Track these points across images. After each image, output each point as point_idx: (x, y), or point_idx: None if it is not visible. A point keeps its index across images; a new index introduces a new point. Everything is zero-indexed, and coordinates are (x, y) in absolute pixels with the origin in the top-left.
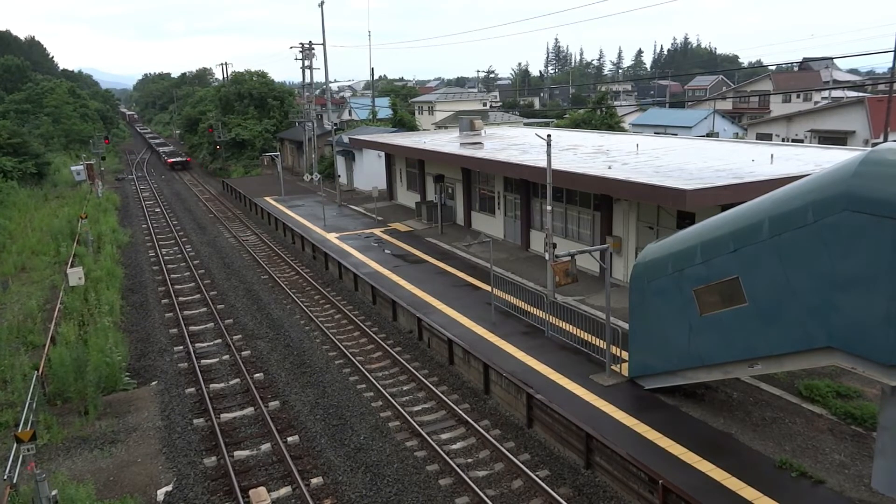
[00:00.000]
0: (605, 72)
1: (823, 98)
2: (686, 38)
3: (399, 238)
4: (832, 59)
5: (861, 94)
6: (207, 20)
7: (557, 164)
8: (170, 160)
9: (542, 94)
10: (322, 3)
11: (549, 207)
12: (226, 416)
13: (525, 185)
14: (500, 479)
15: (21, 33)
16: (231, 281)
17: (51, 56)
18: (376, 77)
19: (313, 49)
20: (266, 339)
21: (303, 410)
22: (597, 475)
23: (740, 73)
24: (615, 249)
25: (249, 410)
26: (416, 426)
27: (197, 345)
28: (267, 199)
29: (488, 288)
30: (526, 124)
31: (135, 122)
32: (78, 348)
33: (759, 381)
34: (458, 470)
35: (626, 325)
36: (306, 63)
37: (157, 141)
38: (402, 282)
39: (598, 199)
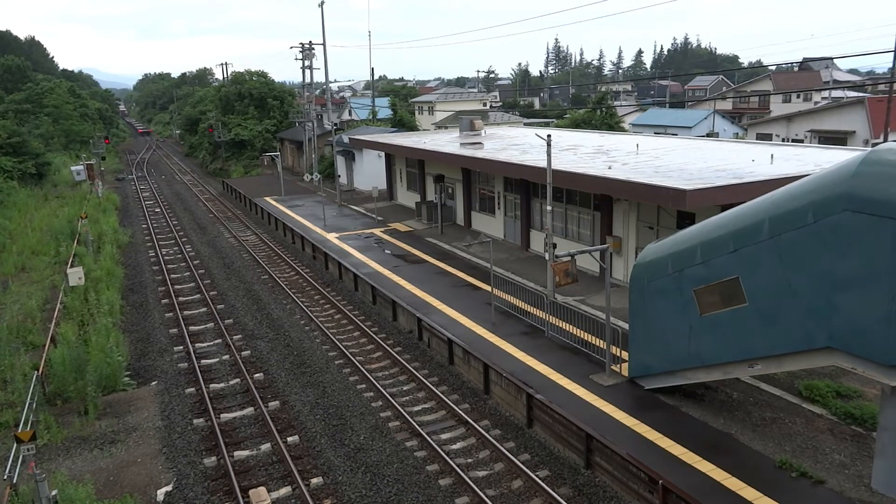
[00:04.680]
0: (605, 72)
1: (823, 98)
2: (686, 39)
3: (399, 238)
4: (832, 59)
5: (861, 95)
6: (208, 20)
7: (557, 164)
8: (140, 130)
9: (542, 95)
10: (322, 3)
11: (549, 207)
12: (226, 416)
13: (525, 185)
14: (500, 479)
15: (21, 33)
16: (231, 281)
17: (51, 56)
18: (376, 77)
19: (313, 49)
20: (266, 339)
21: (303, 410)
22: (597, 475)
23: (740, 73)
24: (615, 249)
25: (249, 410)
26: (416, 426)
27: (197, 345)
28: (267, 199)
29: (488, 288)
30: (526, 124)
31: (126, 116)
32: (78, 348)
33: (759, 381)
34: (458, 470)
35: (626, 325)
36: (306, 63)
37: (138, 124)
38: (402, 282)
39: (598, 199)
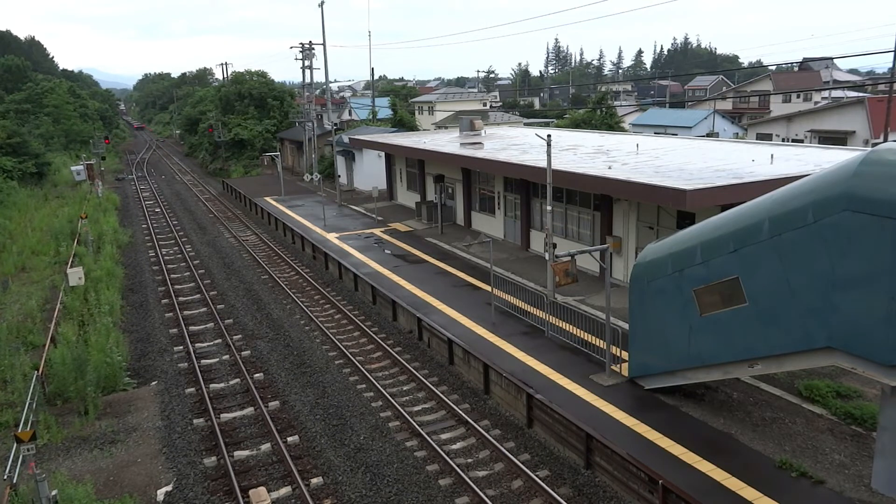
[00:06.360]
0: (605, 72)
1: (823, 98)
2: (686, 38)
3: (399, 238)
4: (832, 59)
5: (861, 94)
6: (208, 20)
7: (557, 164)
8: (135, 126)
9: (542, 95)
10: (322, 3)
11: (549, 207)
12: (226, 416)
13: (525, 185)
14: (500, 479)
15: (21, 33)
16: (231, 281)
17: (51, 56)
18: (376, 77)
19: (313, 49)
20: (266, 339)
21: (303, 410)
22: (597, 475)
23: (740, 73)
24: (615, 249)
25: (249, 410)
26: (416, 426)
27: (197, 345)
28: (267, 199)
29: (488, 288)
30: (526, 124)
31: (125, 115)
32: (78, 348)
33: (759, 381)
34: (458, 470)
35: (626, 325)
36: (306, 63)
37: (134, 121)
38: (402, 282)
39: (598, 199)
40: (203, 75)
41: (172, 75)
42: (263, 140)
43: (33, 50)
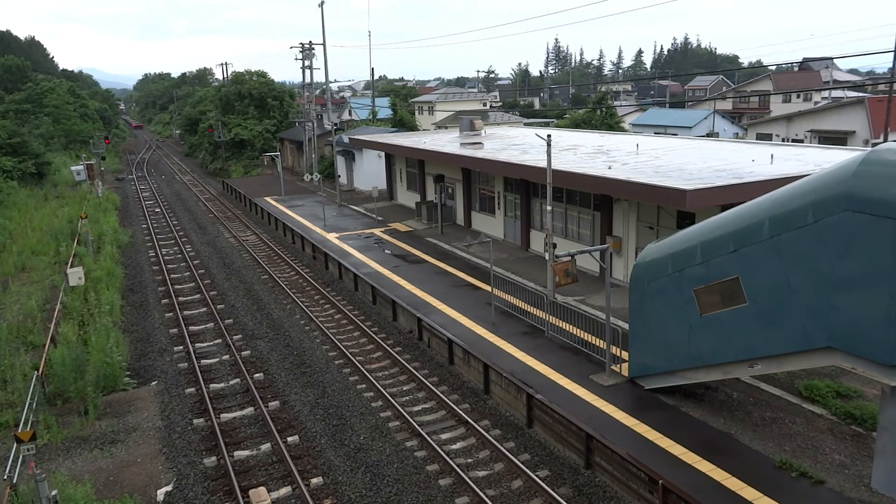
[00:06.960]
0: (605, 72)
1: (823, 98)
2: (686, 38)
3: (399, 238)
4: (832, 59)
5: (861, 95)
6: (208, 20)
7: (557, 164)
8: (133, 125)
9: (542, 95)
10: (322, 3)
11: (549, 207)
12: (226, 416)
13: (525, 185)
14: (500, 479)
15: (21, 33)
16: (231, 281)
17: (51, 56)
18: (376, 77)
19: (313, 49)
20: (266, 339)
21: (303, 410)
22: (597, 475)
23: (740, 73)
24: (615, 249)
25: (249, 410)
26: (416, 426)
27: (197, 345)
28: (267, 199)
29: (488, 288)
30: (526, 124)
31: (123, 115)
32: (78, 348)
33: (759, 381)
34: (458, 470)
35: (626, 325)
36: (306, 63)
37: (132, 121)
38: (402, 282)
39: (598, 199)
40: (203, 75)
41: (172, 75)
42: (263, 140)
43: (33, 50)
